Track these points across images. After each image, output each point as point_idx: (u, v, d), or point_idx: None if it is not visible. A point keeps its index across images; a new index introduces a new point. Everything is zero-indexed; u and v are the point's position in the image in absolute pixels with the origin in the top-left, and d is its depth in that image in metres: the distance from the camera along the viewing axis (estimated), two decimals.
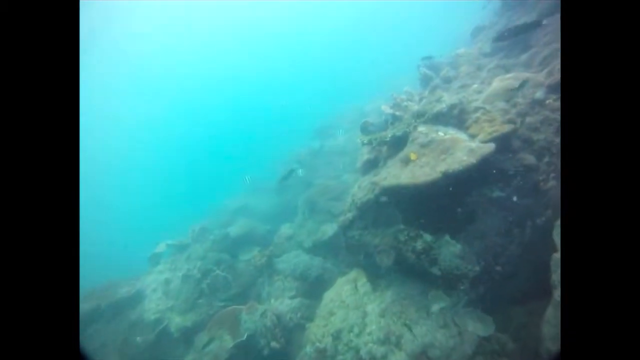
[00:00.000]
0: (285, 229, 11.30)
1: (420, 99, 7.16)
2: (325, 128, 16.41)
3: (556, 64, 5.40)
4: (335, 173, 12.88)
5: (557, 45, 5.72)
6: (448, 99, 6.31)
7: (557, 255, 3.86)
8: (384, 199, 5.71)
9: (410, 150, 5.21)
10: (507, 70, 6.34)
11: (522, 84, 4.87)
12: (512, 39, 4.14)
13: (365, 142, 6.26)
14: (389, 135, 5.61)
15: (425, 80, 8.06)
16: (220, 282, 7.67)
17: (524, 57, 6.54)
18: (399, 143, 5.68)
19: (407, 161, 5.18)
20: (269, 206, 15.11)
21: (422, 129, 5.48)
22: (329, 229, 9.84)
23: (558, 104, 4.89)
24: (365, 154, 6.80)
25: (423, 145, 5.19)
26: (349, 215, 6.33)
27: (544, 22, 3.81)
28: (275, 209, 14.49)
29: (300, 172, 13.38)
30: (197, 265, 8.44)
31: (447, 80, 6.99)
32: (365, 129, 6.92)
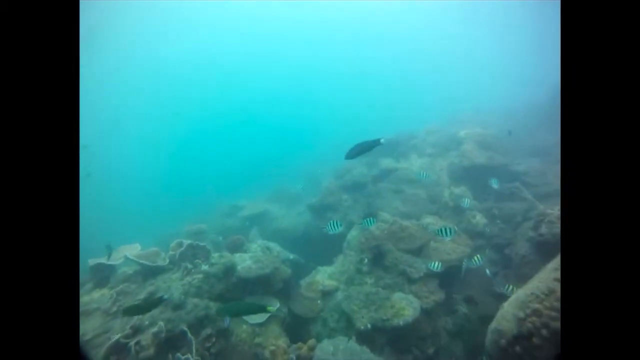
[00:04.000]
0: (321, 277, 7.05)
1: None
2: (394, 145, 12.15)
3: None
4: (411, 209, 8.54)
5: None
6: None
7: None
8: None
9: None
10: None
11: None
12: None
13: None
14: None
15: None
16: None
17: None
18: None
19: None
20: (297, 225, 10.92)
21: None
22: (408, 308, 5.52)
23: None
24: None
25: None
26: None
27: (382, 140, 3.84)
28: (306, 232, 10.20)
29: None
30: (154, 329, 4.29)
31: None
32: None
